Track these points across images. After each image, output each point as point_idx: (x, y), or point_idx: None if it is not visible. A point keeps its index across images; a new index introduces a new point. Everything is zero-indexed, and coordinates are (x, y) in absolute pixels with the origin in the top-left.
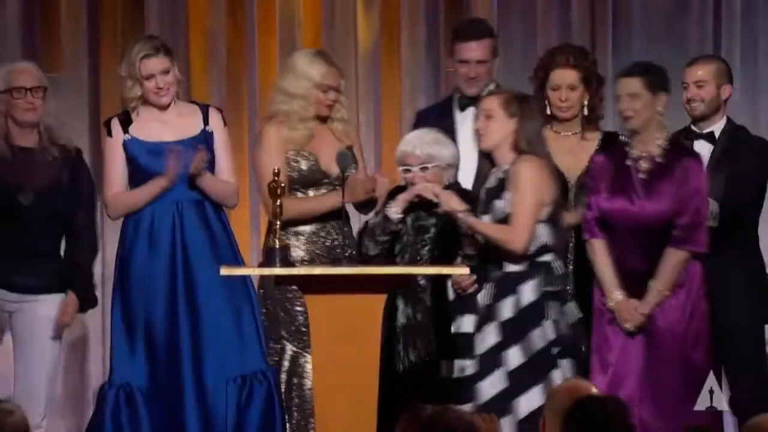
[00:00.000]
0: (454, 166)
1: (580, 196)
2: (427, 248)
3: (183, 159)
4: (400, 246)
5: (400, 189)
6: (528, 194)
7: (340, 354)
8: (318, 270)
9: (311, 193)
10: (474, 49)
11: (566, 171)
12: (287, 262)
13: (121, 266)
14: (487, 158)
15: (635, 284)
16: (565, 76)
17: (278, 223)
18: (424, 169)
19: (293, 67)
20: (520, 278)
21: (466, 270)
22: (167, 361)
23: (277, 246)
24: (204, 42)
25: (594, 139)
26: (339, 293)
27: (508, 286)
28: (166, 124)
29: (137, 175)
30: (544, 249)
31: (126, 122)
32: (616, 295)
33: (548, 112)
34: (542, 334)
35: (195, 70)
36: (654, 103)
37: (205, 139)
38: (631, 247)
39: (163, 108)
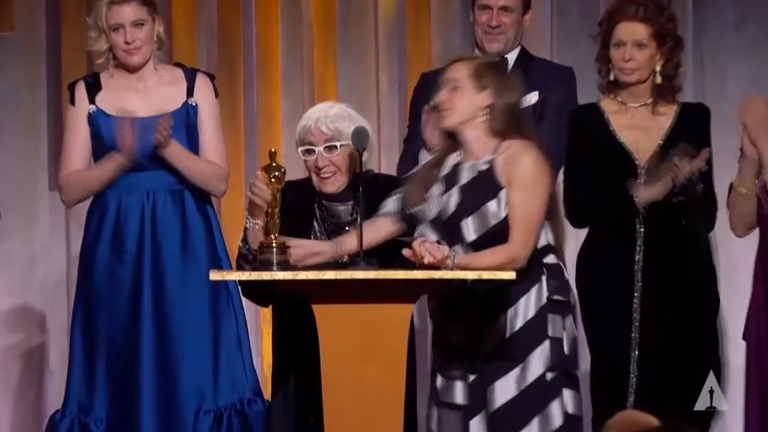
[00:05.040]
0: (367, 148)
1: (651, 179)
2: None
3: (147, 135)
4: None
5: (294, 184)
6: (536, 193)
7: (356, 375)
8: (329, 274)
9: None
10: None
11: (634, 150)
12: (287, 264)
13: (82, 267)
14: (449, 139)
15: None
16: (632, 31)
17: (276, 218)
18: (330, 148)
19: None
20: (520, 287)
21: (512, 275)
22: (126, 386)
23: (275, 245)
24: None
25: (670, 113)
26: (356, 302)
27: (503, 296)
28: (142, 95)
29: (101, 157)
30: (547, 249)
31: (94, 88)
32: None
33: (611, 77)
34: (541, 356)
35: (178, 31)
36: None
37: (186, 115)
38: None
39: (136, 71)
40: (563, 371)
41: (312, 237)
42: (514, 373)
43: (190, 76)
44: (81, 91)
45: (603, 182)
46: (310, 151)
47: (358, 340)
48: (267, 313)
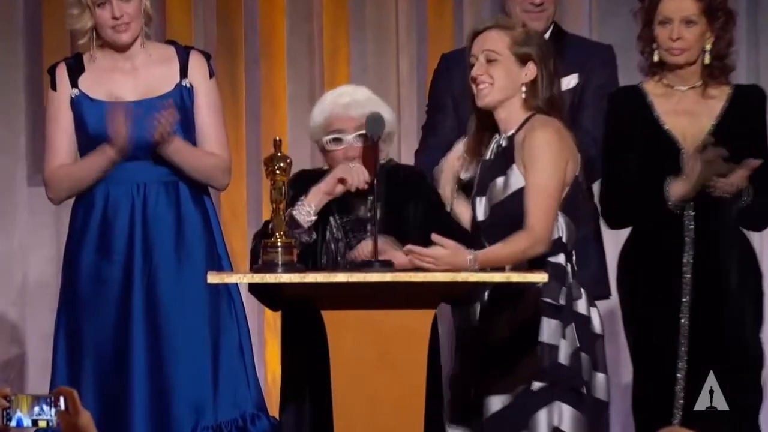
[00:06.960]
0: (393, 135)
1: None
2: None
3: (137, 120)
4: (327, 254)
5: (308, 175)
6: (550, 171)
7: (371, 390)
8: (341, 277)
9: None
10: None
11: (680, 137)
12: (293, 265)
13: (66, 269)
14: (484, 119)
15: None
16: (679, 6)
17: (282, 214)
18: (362, 137)
19: None
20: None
21: (544, 277)
22: (116, 401)
23: (279, 243)
24: None
25: (721, 96)
26: (370, 308)
27: (503, 296)
28: (129, 76)
29: (85, 146)
30: (557, 246)
31: (76, 70)
32: None
33: (655, 58)
34: (530, 362)
35: (172, 5)
36: None
37: (180, 97)
38: None
39: (124, 50)
40: (557, 382)
41: (328, 233)
42: (503, 380)
43: (183, 54)
44: (62, 74)
45: (645, 179)
46: (337, 140)
47: (373, 350)
48: (271, 318)
